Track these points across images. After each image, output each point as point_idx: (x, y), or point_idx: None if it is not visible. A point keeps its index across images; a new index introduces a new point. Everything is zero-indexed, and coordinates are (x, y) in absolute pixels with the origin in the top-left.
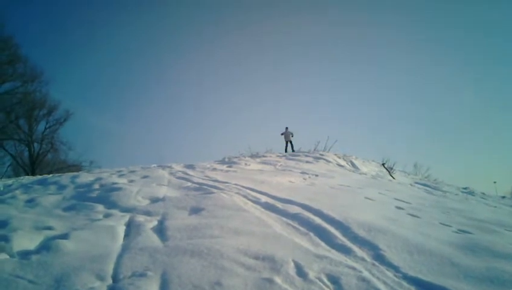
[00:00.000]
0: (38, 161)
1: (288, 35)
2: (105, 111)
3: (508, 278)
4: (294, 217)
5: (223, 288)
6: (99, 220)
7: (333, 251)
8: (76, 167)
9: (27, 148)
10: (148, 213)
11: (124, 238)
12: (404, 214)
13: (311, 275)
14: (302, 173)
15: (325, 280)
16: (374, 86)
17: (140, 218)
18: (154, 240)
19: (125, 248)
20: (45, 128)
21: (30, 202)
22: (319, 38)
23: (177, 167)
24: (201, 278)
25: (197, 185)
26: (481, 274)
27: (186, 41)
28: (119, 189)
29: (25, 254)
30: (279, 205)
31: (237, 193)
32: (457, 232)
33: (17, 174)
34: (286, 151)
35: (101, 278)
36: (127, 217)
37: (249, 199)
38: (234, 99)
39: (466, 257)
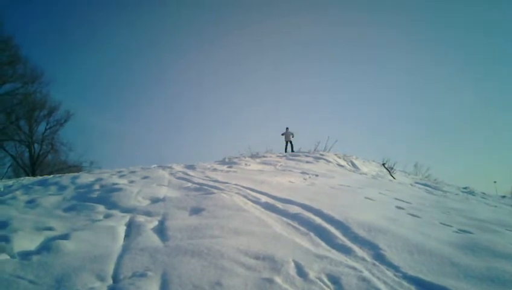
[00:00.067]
0: (38, 161)
1: (288, 35)
2: (105, 111)
3: (508, 278)
4: (294, 217)
5: (223, 288)
6: (99, 220)
7: (333, 250)
8: (77, 168)
9: (27, 149)
10: (148, 213)
11: (124, 239)
12: (405, 214)
13: (312, 275)
14: (302, 173)
15: (326, 279)
16: (374, 86)
17: (141, 218)
18: (155, 240)
19: (125, 248)
20: (45, 129)
21: (30, 203)
22: (319, 38)
23: (178, 168)
24: (202, 278)
25: (198, 186)
26: (481, 274)
27: (186, 41)
28: (119, 189)
29: (25, 255)
30: (279, 205)
31: (237, 193)
32: (457, 232)
33: (17, 175)
34: (286, 151)
35: (101, 278)
36: (127, 217)
37: (249, 199)
38: (234, 99)
39: (466, 256)
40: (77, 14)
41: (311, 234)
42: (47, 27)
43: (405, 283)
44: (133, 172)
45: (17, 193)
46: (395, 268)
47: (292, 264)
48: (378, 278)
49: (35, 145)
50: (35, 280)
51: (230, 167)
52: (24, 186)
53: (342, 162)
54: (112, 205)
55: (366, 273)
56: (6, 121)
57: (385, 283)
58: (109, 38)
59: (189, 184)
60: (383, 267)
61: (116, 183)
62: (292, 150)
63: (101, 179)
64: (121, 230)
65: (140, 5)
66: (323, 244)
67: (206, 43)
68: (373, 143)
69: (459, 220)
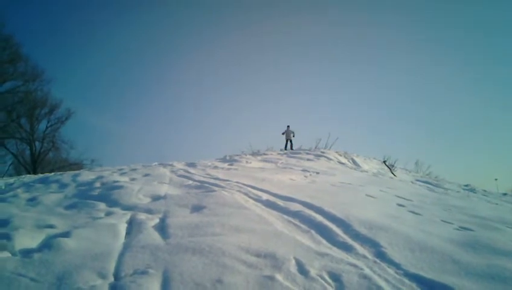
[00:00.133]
0: (39, 159)
1: (288, 35)
2: (105, 111)
3: (509, 275)
4: (295, 214)
5: (225, 285)
6: (100, 218)
7: (334, 248)
8: (78, 166)
9: (28, 147)
10: (149, 211)
11: (125, 236)
12: (406, 211)
13: (313, 272)
14: (303, 170)
15: (327, 277)
16: (374, 86)
17: (142, 216)
18: (156, 238)
19: (126, 246)
20: (46, 127)
21: (32, 201)
22: (319, 38)
23: (179, 165)
24: (203, 275)
25: (199, 183)
26: (482, 271)
27: (186, 41)
28: (120, 187)
29: (26, 252)
30: (280, 202)
31: (238, 191)
32: (458, 230)
33: (18, 173)
34: (286, 148)
35: (102, 276)
36: (128, 215)
37: (250, 197)
38: (234, 99)
39: (467, 254)
40: (77, 14)
41: (312, 231)
42: (47, 27)
43: (406, 281)
44: (134, 170)
45: (18, 190)
46: (396, 266)
47: (293, 261)
48: (379, 275)
49: (36, 143)
50: (37, 277)
51: (231, 165)
52: (25, 184)
53: (343, 160)
54: (113, 203)
55: (367, 271)
56: (8, 119)
57: (386, 280)
58: (109, 38)
59: (190, 182)
60: (384, 265)
61: (117, 181)
62: (291, 149)
63: (102, 177)
64: (122, 228)
65: (140, 5)
66: (324, 241)
67: (206, 43)
68: (374, 142)
69: (460, 217)
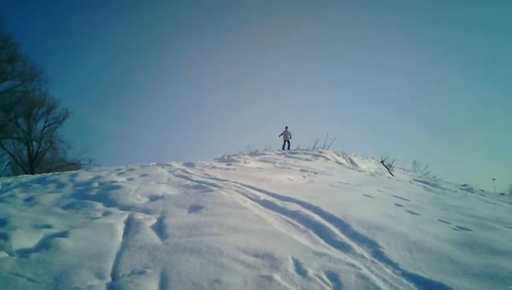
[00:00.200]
0: (37, 159)
1: (288, 35)
2: (105, 111)
3: (507, 275)
4: (293, 214)
5: (222, 285)
6: (98, 218)
7: (332, 248)
8: (76, 166)
9: (26, 147)
10: (147, 211)
11: (123, 236)
12: (403, 211)
13: (311, 272)
14: (301, 170)
15: (324, 277)
16: (374, 86)
17: (140, 216)
18: (154, 238)
19: (124, 246)
20: (44, 127)
21: (29, 201)
22: (319, 38)
23: (177, 165)
24: (201, 275)
25: (196, 183)
26: (480, 271)
27: (186, 41)
28: (118, 187)
29: (24, 252)
30: (278, 202)
31: (236, 191)
32: (456, 229)
33: (16, 173)
34: (283, 149)
35: (100, 276)
36: (126, 215)
37: (248, 197)
38: (234, 99)
39: (465, 254)
40: (77, 14)
41: (310, 231)
42: (47, 27)
43: (404, 280)
44: (132, 170)
45: (16, 190)
46: (394, 265)
47: (291, 261)
48: (377, 275)
49: (34, 143)
50: (34, 277)
51: (229, 165)
52: (22, 184)
53: (341, 160)
54: (110, 203)
55: (365, 271)
56: (5, 118)
57: (384, 280)
58: (109, 38)
59: (188, 182)
60: (381, 265)
61: (115, 181)
62: (289, 149)
63: (99, 177)
64: (120, 228)
65: (140, 5)
66: (322, 241)
67: (206, 43)
68: (372, 142)
69: (457, 217)
